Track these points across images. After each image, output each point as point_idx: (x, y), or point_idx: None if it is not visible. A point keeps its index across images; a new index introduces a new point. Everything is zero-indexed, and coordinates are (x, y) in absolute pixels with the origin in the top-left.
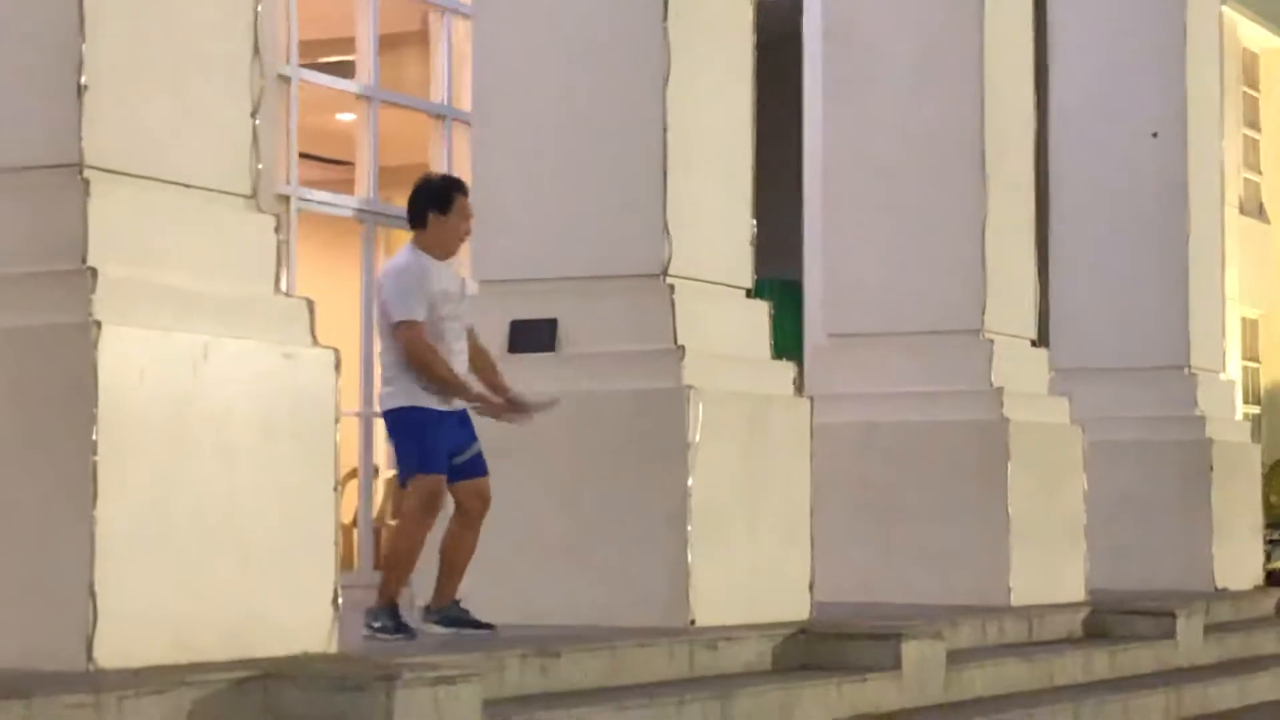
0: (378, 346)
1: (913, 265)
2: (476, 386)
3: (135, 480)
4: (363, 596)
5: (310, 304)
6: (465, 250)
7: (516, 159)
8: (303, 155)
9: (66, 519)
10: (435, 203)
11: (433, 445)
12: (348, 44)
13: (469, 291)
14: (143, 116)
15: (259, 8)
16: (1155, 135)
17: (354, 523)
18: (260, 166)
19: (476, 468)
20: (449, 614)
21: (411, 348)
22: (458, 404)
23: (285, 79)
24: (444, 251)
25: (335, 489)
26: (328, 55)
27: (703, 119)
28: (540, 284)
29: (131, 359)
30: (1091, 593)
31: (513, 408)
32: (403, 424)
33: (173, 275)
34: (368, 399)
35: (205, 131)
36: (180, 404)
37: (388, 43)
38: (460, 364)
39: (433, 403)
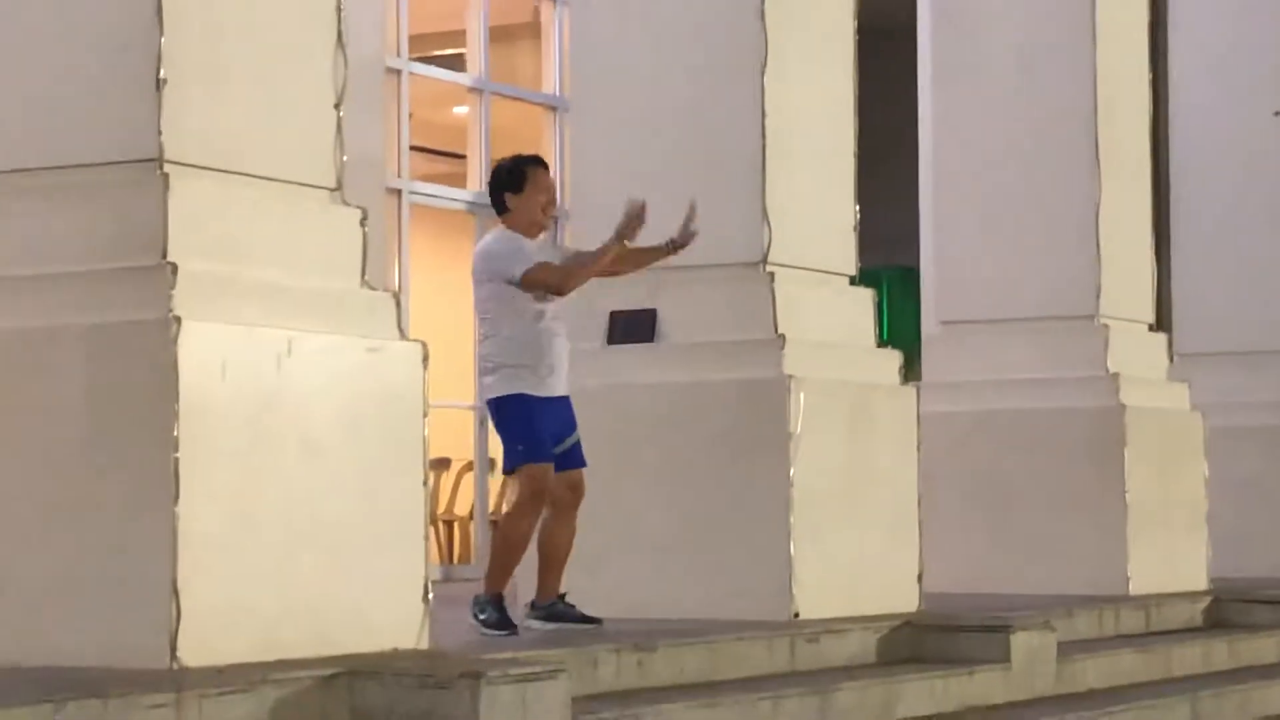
0: None
1: (1025, 251)
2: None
3: (218, 476)
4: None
5: (397, 297)
6: None
7: (614, 149)
8: (419, 149)
9: (148, 516)
10: (509, 185)
11: (538, 433)
12: (461, 37)
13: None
14: (223, 110)
15: None
16: (1277, 114)
17: (470, 515)
18: (345, 159)
19: (573, 459)
20: (553, 610)
21: (549, 279)
22: (559, 390)
23: (395, 72)
24: (532, 229)
25: (424, 483)
26: (442, 48)
27: (802, 106)
28: (638, 274)
29: (213, 354)
30: (1214, 581)
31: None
32: (506, 413)
33: (255, 270)
34: (481, 391)
35: (287, 124)
36: (263, 399)
37: (500, 35)
38: (560, 348)
39: (534, 389)
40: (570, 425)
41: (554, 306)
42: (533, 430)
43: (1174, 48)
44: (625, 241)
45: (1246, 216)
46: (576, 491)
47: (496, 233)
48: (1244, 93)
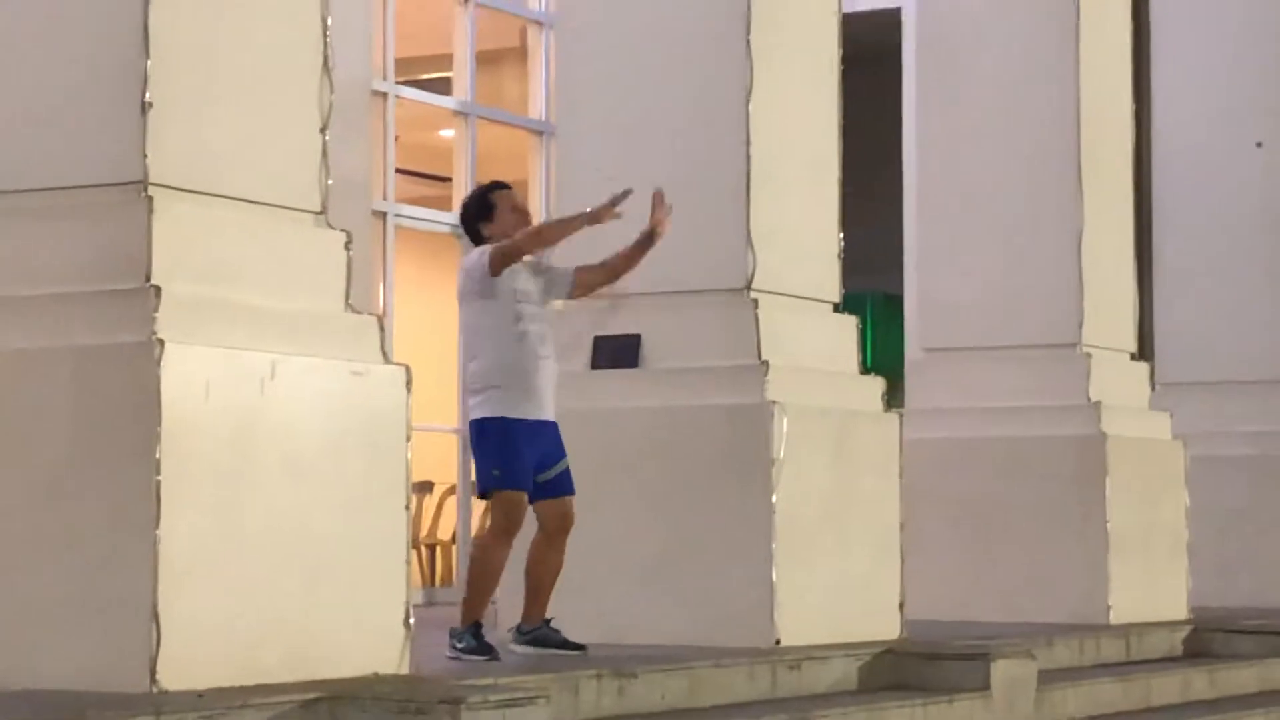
0: None
1: (1008, 278)
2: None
3: (200, 498)
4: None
5: (380, 320)
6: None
7: (599, 173)
8: (405, 172)
9: (130, 538)
10: (480, 216)
11: (517, 460)
12: (447, 60)
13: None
14: (208, 133)
15: (329, 21)
16: (1260, 145)
17: (453, 539)
18: (330, 182)
19: (561, 486)
20: (538, 634)
21: (510, 245)
22: (544, 414)
23: (381, 95)
24: None
25: (407, 507)
26: (428, 72)
27: (787, 132)
28: (623, 299)
29: (196, 377)
30: (1196, 610)
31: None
32: (488, 435)
33: (239, 293)
34: (465, 415)
35: (273, 148)
36: (246, 422)
37: (486, 59)
38: (547, 371)
39: (516, 412)
40: (557, 451)
41: (537, 327)
42: (511, 455)
43: (1157, 78)
44: (591, 222)
45: (1229, 246)
46: (565, 519)
47: (474, 252)
48: (1227, 123)
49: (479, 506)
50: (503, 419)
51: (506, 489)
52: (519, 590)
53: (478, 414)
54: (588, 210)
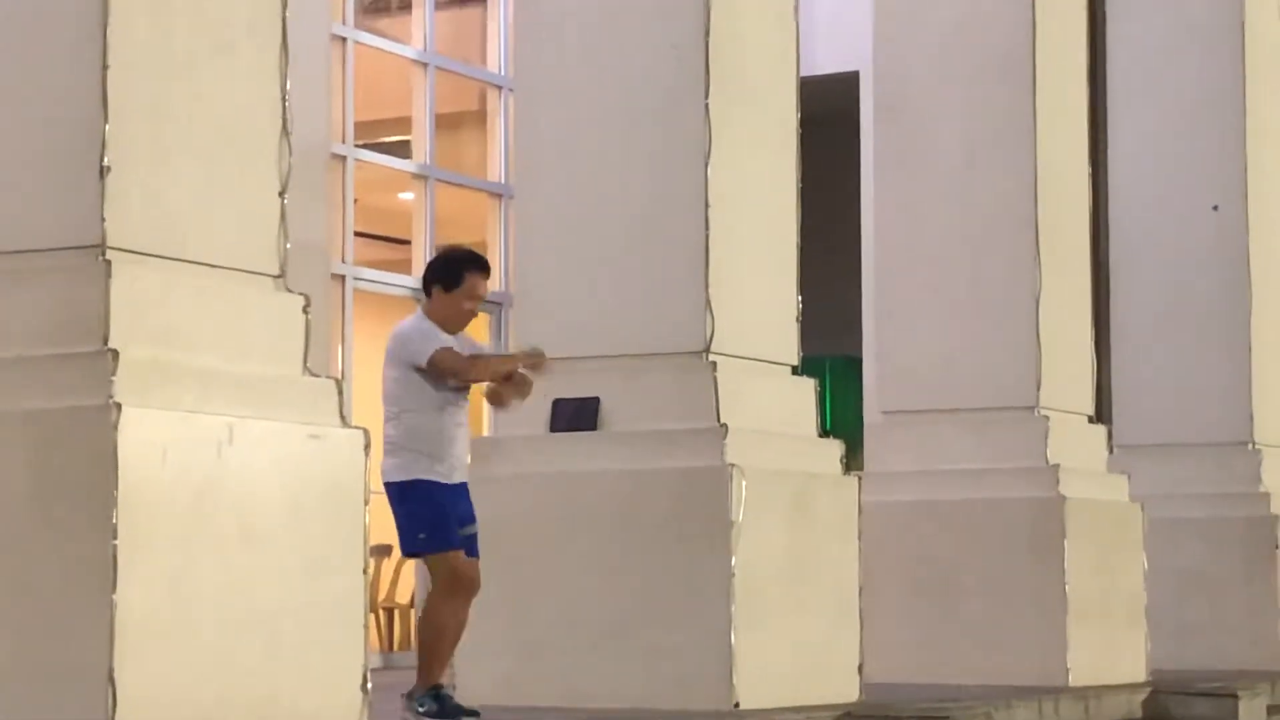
0: None
1: (966, 342)
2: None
3: (156, 563)
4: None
5: (339, 384)
6: None
7: (558, 236)
8: (364, 235)
9: (86, 603)
10: (442, 277)
11: (443, 519)
12: (407, 123)
13: None
14: (167, 197)
15: (287, 84)
16: (1216, 209)
17: (411, 603)
18: (289, 245)
19: (470, 549)
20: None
21: (455, 364)
22: (459, 477)
23: (340, 158)
24: (448, 326)
25: (365, 571)
26: (388, 135)
27: (746, 196)
28: (582, 362)
29: (153, 441)
30: (1154, 673)
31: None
32: (410, 498)
33: (197, 356)
34: None
35: (231, 211)
36: (204, 486)
37: (446, 122)
38: (462, 439)
39: (439, 476)
40: (469, 513)
41: (459, 397)
42: (437, 517)
43: (1114, 142)
44: (521, 370)
45: (1186, 309)
46: (472, 582)
47: (415, 318)
48: (1183, 187)
49: None
50: (426, 481)
51: (439, 551)
52: (471, 650)
53: (397, 476)
54: (517, 354)
